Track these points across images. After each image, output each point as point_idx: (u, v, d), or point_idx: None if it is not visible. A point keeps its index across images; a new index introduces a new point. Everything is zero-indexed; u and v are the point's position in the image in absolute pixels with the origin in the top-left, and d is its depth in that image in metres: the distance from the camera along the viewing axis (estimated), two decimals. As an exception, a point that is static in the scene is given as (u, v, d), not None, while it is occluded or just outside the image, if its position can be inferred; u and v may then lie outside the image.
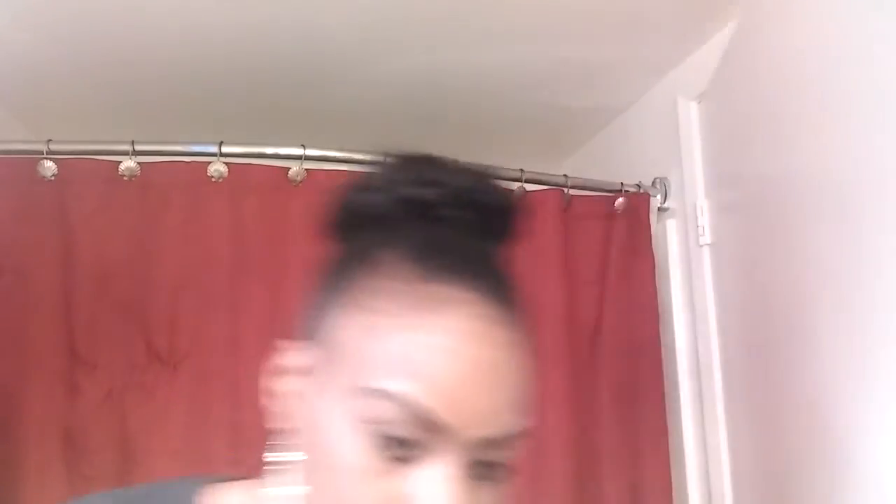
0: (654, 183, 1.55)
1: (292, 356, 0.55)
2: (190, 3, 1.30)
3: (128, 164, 1.37)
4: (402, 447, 0.48)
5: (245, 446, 1.24)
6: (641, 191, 1.54)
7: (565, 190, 1.48)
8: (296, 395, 0.54)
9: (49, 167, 1.37)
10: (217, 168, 1.39)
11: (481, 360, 0.49)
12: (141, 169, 1.38)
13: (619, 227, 1.51)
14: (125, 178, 1.37)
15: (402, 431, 0.47)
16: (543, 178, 1.49)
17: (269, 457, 0.53)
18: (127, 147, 1.37)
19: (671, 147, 1.48)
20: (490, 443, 0.49)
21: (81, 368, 1.33)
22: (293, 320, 0.58)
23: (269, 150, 1.38)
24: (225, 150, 1.38)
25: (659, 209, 1.55)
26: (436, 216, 0.55)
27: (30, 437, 1.29)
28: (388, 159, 0.58)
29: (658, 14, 1.32)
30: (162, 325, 1.35)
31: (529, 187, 1.46)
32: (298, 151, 1.37)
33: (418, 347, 0.48)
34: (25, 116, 1.69)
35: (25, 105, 1.65)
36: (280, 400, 0.55)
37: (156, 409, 1.32)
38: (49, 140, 1.37)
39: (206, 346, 1.34)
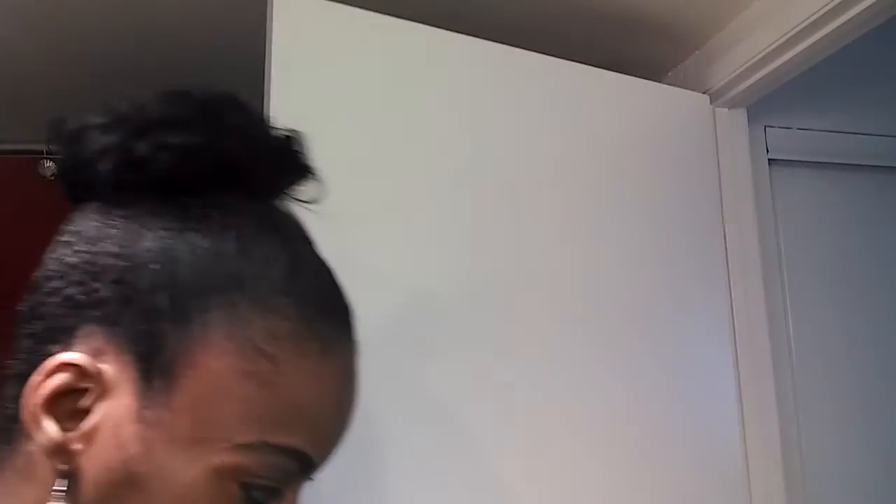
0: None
1: (112, 386, 0.43)
2: (190, 4, 1.30)
3: (128, 164, 1.37)
4: (268, 496, 0.44)
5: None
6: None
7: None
8: (111, 438, 0.42)
9: (49, 167, 1.37)
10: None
11: (351, 400, 0.48)
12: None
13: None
14: (125, 178, 1.37)
15: (280, 482, 0.44)
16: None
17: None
18: (127, 147, 1.37)
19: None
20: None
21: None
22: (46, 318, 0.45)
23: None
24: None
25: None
26: (254, 185, 0.48)
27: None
28: (181, 100, 0.47)
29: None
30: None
31: None
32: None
33: (315, 399, 0.45)
34: (25, 116, 1.68)
35: (25, 105, 1.65)
36: (67, 437, 0.42)
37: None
38: (49, 140, 1.37)
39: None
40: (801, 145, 1.52)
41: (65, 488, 0.41)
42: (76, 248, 0.46)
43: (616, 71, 1.34)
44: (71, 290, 0.44)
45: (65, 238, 0.47)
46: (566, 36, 1.39)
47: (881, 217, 1.57)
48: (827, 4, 1.12)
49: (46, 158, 1.36)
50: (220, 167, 0.46)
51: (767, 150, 1.49)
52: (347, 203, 1.07)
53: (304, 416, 0.44)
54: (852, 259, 1.53)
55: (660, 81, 1.54)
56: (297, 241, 0.49)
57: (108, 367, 0.42)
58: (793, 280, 1.47)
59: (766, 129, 1.50)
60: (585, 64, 1.29)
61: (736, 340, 1.32)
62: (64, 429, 0.42)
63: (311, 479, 0.48)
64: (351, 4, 1.09)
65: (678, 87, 1.43)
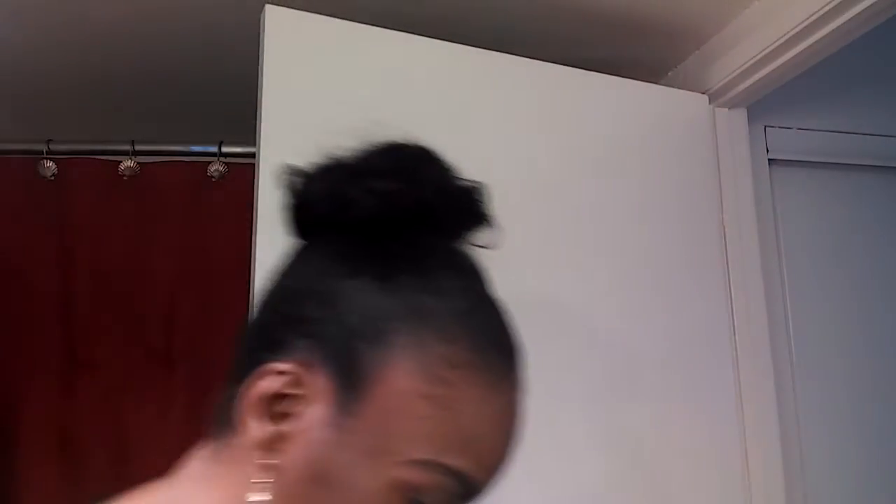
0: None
1: (314, 395, 0.48)
2: (189, 4, 1.30)
3: (128, 164, 1.37)
4: None
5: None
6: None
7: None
8: (309, 439, 0.48)
9: (49, 167, 1.37)
10: (217, 168, 1.38)
11: (514, 434, 0.52)
12: (141, 169, 1.37)
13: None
14: (125, 178, 1.37)
15: (441, 501, 0.48)
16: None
17: (251, 499, 0.48)
18: (127, 147, 1.37)
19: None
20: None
21: (79, 368, 1.33)
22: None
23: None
24: (225, 149, 1.38)
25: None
26: (441, 228, 0.55)
27: (25, 438, 1.29)
28: (390, 155, 0.54)
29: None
30: (160, 325, 1.35)
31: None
32: (298, 152, 1.38)
33: (481, 425, 0.49)
34: (25, 116, 1.68)
35: (25, 105, 1.65)
36: (274, 435, 0.48)
37: (154, 409, 1.32)
38: (49, 140, 1.37)
39: (204, 347, 1.34)
40: (801, 145, 1.52)
41: (270, 480, 0.47)
42: (295, 275, 0.54)
43: (616, 71, 1.34)
44: (287, 310, 0.52)
45: (286, 266, 0.55)
46: (566, 37, 1.39)
47: (881, 217, 1.57)
48: (827, 4, 1.12)
49: (46, 158, 1.36)
50: (415, 211, 0.52)
51: (767, 150, 1.49)
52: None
53: (472, 442, 0.49)
54: (852, 259, 1.53)
55: (659, 81, 1.54)
56: (475, 280, 0.55)
57: (313, 378, 0.48)
58: (793, 280, 1.47)
59: (766, 129, 1.49)
60: (586, 63, 1.30)
61: (736, 340, 1.32)
62: (274, 428, 0.48)
63: None
64: (340, 17, 1.11)
65: (678, 87, 1.43)
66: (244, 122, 1.40)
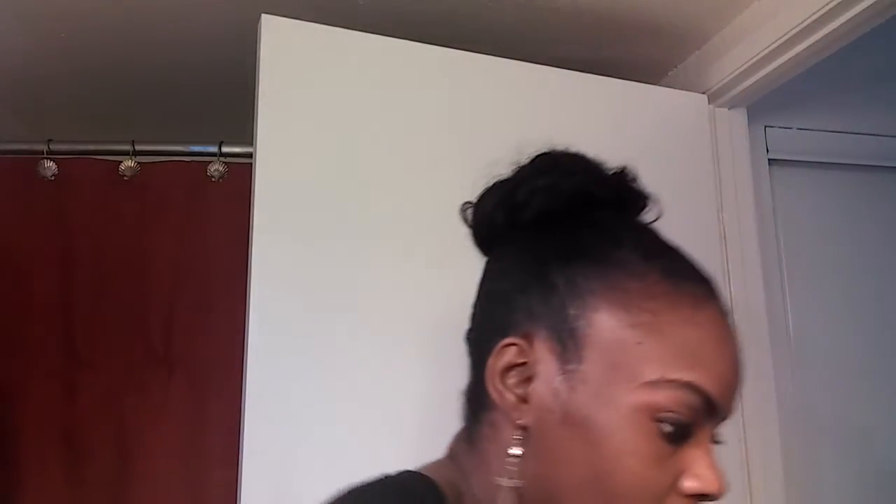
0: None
1: (539, 356, 0.57)
2: (189, 4, 1.29)
3: (128, 164, 1.37)
4: (680, 430, 0.53)
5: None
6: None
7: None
8: (546, 391, 0.56)
9: (49, 167, 1.37)
10: (217, 168, 1.39)
11: (734, 350, 0.57)
12: (141, 169, 1.38)
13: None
14: (125, 178, 1.37)
15: (687, 417, 0.53)
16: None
17: (511, 451, 0.56)
18: (127, 147, 1.37)
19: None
20: (724, 420, 0.57)
21: (80, 368, 1.33)
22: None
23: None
24: (225, 150, 1.38)
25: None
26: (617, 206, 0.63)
27: (27, 437, 1.29)
28: (555, 158, 0.64)
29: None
30: (160, 325, 1.35)
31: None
32: (298, 152, 1.38)
33: (698, 341, 0.55)
34: (25, 116, 1.68)
35: (25, 105, 1.65)
36: (518, 397, 0.57)
37: (153, 409, 1.32)
38: (49, 140, 1.37)
39: (204, 346, 1.34)
40: (801, 145, 1.52)
41: (521, 437, 0.56)
42: (496, 277, 0.63)
43: (616, 71, 1.34)
44: (500, 303, 0.61)
45: (486, 274, 0.64)
46: (566, 38, 1.39)
47: (881, 217, 1.57)
48: (827, 4, 1.12)
49: (46, 158, 1.36)
50: (576, 197, 0.61)
51: (767, 150, 1.49)
52: (337, 213, 1.10)
53: (691, 355, 0.54)
54: (852, 259, 1.53)
55: (659, 82, 1.54)
56: (651, 232, 0.63)
57: (534, 343, 0.57)
58: (793, 280, 1.47)
59: (766, 129, 1.50)
60: (586, 65, 1.30)
61: (736, 340, 1.31)
62: (517, 392, 0.57)
63: (717, 434, 0.56)
64: (338, 26, 1.13)
65: (678, 87, 1.43)
66: (244, 122, 1.40)
